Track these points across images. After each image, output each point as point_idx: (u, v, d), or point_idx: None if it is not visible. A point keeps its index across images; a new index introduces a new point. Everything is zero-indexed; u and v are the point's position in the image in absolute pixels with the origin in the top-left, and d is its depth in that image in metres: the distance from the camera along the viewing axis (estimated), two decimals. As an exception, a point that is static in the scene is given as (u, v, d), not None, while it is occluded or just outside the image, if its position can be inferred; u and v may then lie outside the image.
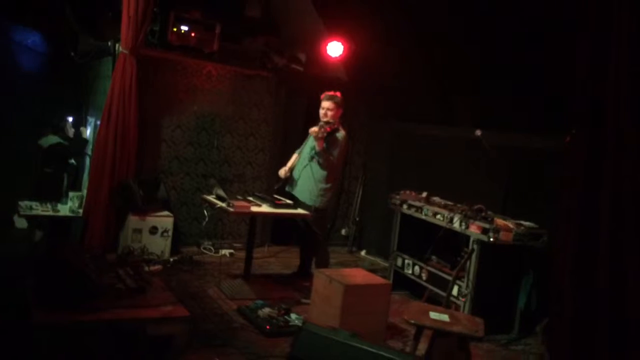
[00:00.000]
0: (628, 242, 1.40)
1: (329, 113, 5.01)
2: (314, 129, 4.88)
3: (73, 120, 6.34)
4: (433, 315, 3.37)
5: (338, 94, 5.11)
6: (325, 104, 5.05)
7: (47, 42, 6.15)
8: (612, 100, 1.43)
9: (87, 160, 5.92)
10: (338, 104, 5.05)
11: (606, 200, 1.43)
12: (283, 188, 5.30)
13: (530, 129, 4.87)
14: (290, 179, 5.24)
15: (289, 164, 5.26)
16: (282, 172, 5.24)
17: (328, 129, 4.91)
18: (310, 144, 5.07)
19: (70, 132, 6.21)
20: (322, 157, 4.94)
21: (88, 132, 6.29)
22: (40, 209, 5.38)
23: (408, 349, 3.69)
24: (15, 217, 5.53)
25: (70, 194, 5.58)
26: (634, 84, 1.41)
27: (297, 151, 5.31)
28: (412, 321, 3.31)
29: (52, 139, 5.87)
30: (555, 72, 4.32)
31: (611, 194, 1.43)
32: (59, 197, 5.76)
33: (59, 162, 5.91)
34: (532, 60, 4.56)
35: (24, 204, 5.40)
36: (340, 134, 5.05)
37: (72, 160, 6.08)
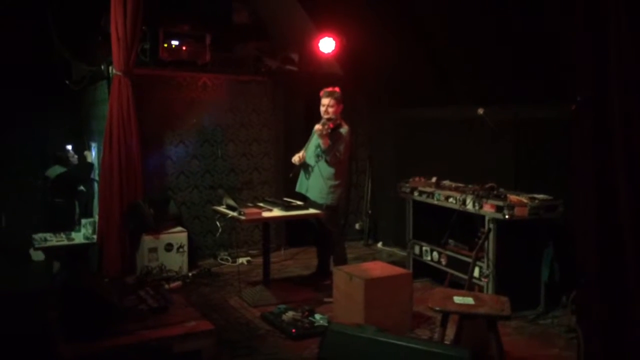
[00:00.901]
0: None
1: (330, 109, 4.99)
2: (318, 126, 4.86)
3: (73, 147, 6.35)
4: (457, 299, 3.34)
5: (337, 89, 5.08)
6: (325, 100, 5.03)
7: (40, 74, 6.16)
8: (614, 64, 1.40)
9: (96, 186, 5.94)
10: (338, 100, 5.03)
11: (621, 163, 1.40)
12: (297, 175, 5.26)
13: (533, 100, 4.81)
14: (300, 180, 5.23)
15: (301, 152, 5.17)
16: (296, 158, 5.15)
17: (331, 126, 4.90)
18: (315, 142, 5.06)
19: (74, 159, 6.22)
20: (329, 154, 4.92)
21: (93, 156, 6.30)
22: (55, 240, 5.40)
23: (436, 336, 3.66)
24: (31, 251, 5.57)
25: (83, 221, 5.60)
26: (636, 44, 1.38)
27: (305, 147, 5.25)
28: (437, 308, 3.28)
29: (59, 169, 5.90)
30: (553, 40, 4.27)
31: (625, 155, 1.40)
32: (72, 225, 5.79)
33: (69, 191, 5.94)
34: (529, 28, 4.49)
35: (38, 236, 5.43)
36: (344, 129, 5.03)
37: (82, 187, 6.11)
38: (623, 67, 1.42)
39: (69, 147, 6.30)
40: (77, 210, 6.06)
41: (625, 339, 1.44)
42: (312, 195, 5.12)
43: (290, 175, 5.29)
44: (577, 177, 1.57)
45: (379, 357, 2.13)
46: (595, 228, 1.51)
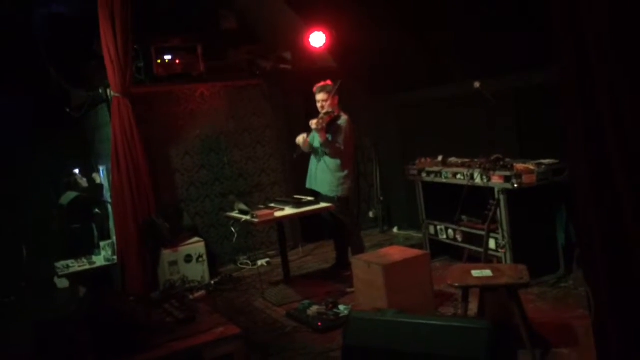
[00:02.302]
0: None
1: (325, 104, 5.02)
2: (313, 121, 4.89)
3: (80, 170, 6.42)
4: (475, 273, 3.37)
5: (328, 82, 5.11)
6: (319, 96, 5.06)
7: (40, 104, 6.26)
8: (592, 28, 1.43)
9: (109, 208, 6.03)
10: (331, 92, 5.05)
11: (610, 122, 1.43)
12: (301, 156, 5.30)
13: (528, 67, 4.81)
14: (309, 176, 5.28)
15: (306, 135, 5.17)
16: (300, 139, 5.16)
17: (328, 119, 4.93)
18: (317, 137, 5.10)
19: (83, 181, 6.29)
20: (328, 147, 4.96)
21: (102, 177, 6.37)
22: (77, 265, 5.51)
23: (460, 312, 3.70)
24: (56, 279, 5.67)
25: (102, 243, 5.70)
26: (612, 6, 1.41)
27: (311, 134, 5.27)
28: (456, 284, 3.32)
29: (71, 195, 5.98)
30: (539, 3, 4.26)
31: (612, 118, 1.42)
32: (92, 249, 5.88)
33: (84, 215, 6.03)
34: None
35: (60, 264, 5.53)
36: (342, 120, 5.05)
37: (97, 210, 6.20)
38: (602, 30, 1.45)
39: (76, 170, 6.37)
40: (95, 233, 6.15)
41: (630, 288, 1.48)
42: (323, 189, 5.16)
43: (294, 156, 5.32)
44: (568, 144, 1.60)
45: (401, 338, 2.18)
46: (590, 189, 1.54)
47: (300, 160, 5.50)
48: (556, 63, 1.64)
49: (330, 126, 4.95)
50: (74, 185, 6.11)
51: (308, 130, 5.17)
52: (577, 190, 1.63)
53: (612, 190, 1.48)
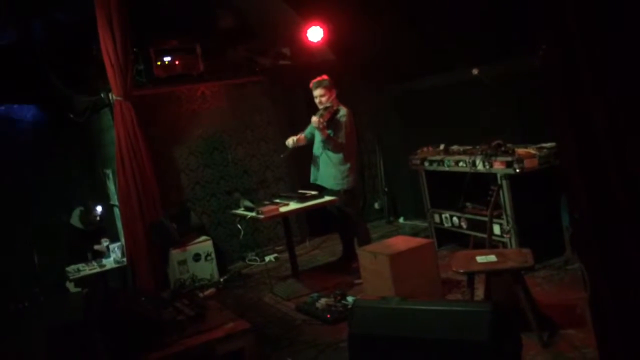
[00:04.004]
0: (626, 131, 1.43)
1: (323, 99, 5.03)
2: (314, 118, 4.90)
3: (95, 206, 6.12)
4: (480, 259, 3.40)
5: (324, 76, 5.11)
6: (316, 91, 5.06)
7: (45, 112, 6.32)
8: (573, 10, 1.45)
9: (116, 211, 6.09)
10: (328, 87, 5.05)
11: (597, 101, 1.45)
12: (289, 157, 5.36)
13: (525, 50, 4.80)
14: (313, 171, 5.31)
15: (298, 135, 5.22)
16: (290, 141, 5.20)
17: (328, 115, 4.94)
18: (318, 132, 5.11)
19: (96, 220, 6.05)
20: (330, 143, 4.98)
21: (109, 185, 6.39)
22: (88, 269, 5.56)
23: (467, 298, 3.73)
24: (67, 284, 5.74)
25: (111, 246, 5.75)
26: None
27: (305, 132, 5.30)
28: (461, 270, 3.36)
29: (76, 222, 5.91)
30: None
31: (598, 97, 1.45)
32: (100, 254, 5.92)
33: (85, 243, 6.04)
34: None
35: (71, 268, 5.59)
36: (341, 113, 5.05)
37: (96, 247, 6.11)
38: (582, 12, 1.47)
39: (99, 208, 6.10)
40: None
41: (623, 263, 1.51)
42: (328, 183, 5.18)
43: (281, 156, 5.39)
44: (555, 125, 1.63)
45: (406, 324, 2.22)
46: (580, 170, 1.56)
47: (303, 155, 5.53)
48: (540, 39, 1.66)
49: (330, 122, 4.97)
50: (84, 218, 5.98)
51: (308, 125, 5.20)
52: (565, 167, 1.66)
53: (599, 163, 1.51)
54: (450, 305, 2.29)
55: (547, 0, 1.54)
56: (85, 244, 5.94)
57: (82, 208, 5.99)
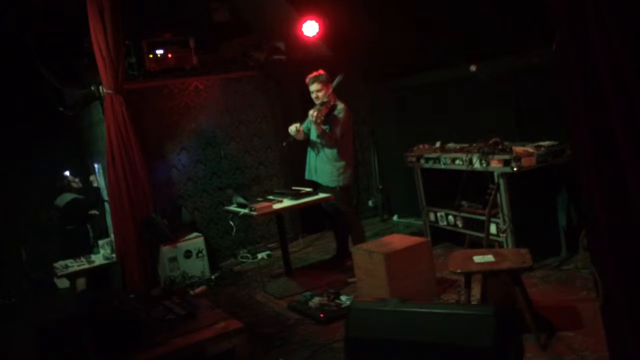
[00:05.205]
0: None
1: (320, 94, 4.95)
2: (312, 112, 4.83)
3: (72, 171, 6.30)
4: (477, 259, 3.34)
5: (321, 71, 5.03)
6: (313, 87, 4.98)
7: (32, 104, 6.20)
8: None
9: (106, 206, 5.99)
10: (324, 82, 4.98)
11: (611, 94, 1.38)
12: (291, 144, 5.22)
13: (524, 47, 4.75)
14: (307, 167, 5.24)
15: (298, 124, 5.09)
16: (294, 127, 5.04)
17: (325, 110, 4.87)
18: (314, 128, 5.03)
19: (75, 182, 6.14)
20: (325, 138, 4.91)
21: (99, 178, 6.31)
22: (76, 265, 5.46)
23: (462, 299, 3.67)
24: (55, 280, 5.64)
25: (100, 242, 5.64)
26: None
27: (305, 124, 5.22)
28: (459, 270, 3.29)
29: (67, 197, 5.94)
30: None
31: (614, 85, 1.38)
32: (86, 250, 5.84)
33: (79, 216, 5.98)
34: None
35: (59, 264, 5.49)
36: (338, 109, 4.99)
37: (94, 211, 6.13)
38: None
39: (67, 172, 6.20)
40: (91, 234, 6.11)
41: (638, 267, 1.45)
42: (323, 180, 5.11)
43: (284, 144, 5.25)
44: (570, 118, 1.56)
45: (405, 327, 2.15)
46: (595, 166, 1.49)
47: (298, 151, 5.44)
48: (556, 34, 1.59)
49: (327, 117, 4.89)
50: (67, 187, 6.03)
51: (305, 118, 5.12)
52: (579, 165, 1.59)
53: (616, 160, 1.44)
54: (451, 308, 2.21)
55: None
56: (76, 216, 5.88)
57: (59, 183, 6.02)
